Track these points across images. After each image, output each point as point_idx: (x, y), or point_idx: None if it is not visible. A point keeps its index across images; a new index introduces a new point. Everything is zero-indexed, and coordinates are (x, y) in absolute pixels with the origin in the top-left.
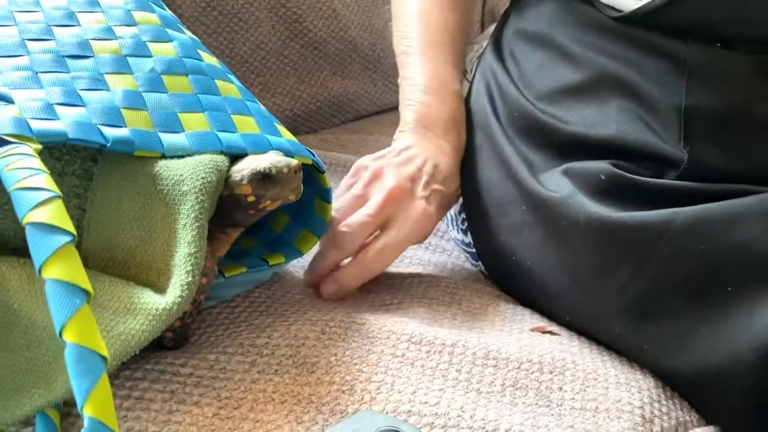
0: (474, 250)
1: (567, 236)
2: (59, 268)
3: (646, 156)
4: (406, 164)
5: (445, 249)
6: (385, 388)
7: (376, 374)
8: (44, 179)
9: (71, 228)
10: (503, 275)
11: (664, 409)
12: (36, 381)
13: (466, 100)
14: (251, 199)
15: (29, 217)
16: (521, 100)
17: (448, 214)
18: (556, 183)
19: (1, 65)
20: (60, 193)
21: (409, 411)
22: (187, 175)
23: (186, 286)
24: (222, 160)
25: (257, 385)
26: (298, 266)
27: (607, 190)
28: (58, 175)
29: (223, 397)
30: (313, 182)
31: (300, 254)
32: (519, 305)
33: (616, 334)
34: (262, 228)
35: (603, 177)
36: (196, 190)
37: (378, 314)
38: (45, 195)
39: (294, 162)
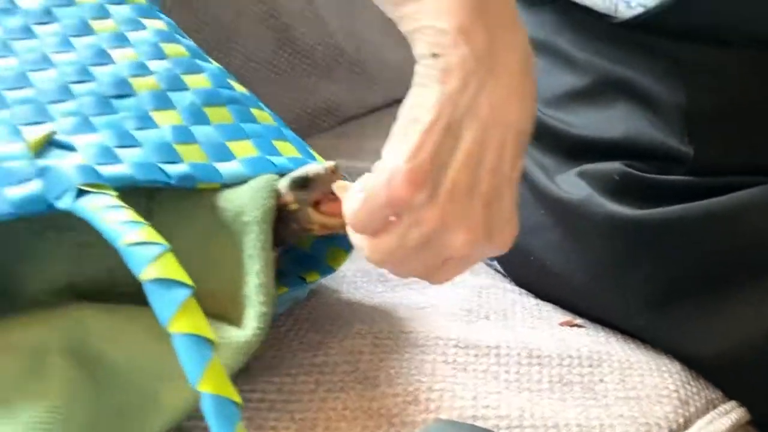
0: None
1: (587, 235)
2: (186, 322)
3: (654, 155)
4: None
5: None
6: (447, 395)
7: (435, 383)
8: (148, 232)
9: (188, 280)
10: (522, 274)
11: (694, 390)
12: (124, 424)
13: None
14: (294, 207)
15: (147, 274)
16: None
17: None
18: (572, 185)
19: (52, 111)
20: (169, 245)
21: (474, 416)
22: (247, 204)
23: (262, 317)
24: (276, 179)
25: (327, 404)
26: (329, 278)
27: (621, 190)
28: None
29: (297, 419)
30: None
31: (332, 270)
32: (541, 301)
33: (639, 324)
34: (290, 248)
35: (617, 177)
36: (259, 219)
37: (418, 319)
38: (157, 250)
39: (330, 163)
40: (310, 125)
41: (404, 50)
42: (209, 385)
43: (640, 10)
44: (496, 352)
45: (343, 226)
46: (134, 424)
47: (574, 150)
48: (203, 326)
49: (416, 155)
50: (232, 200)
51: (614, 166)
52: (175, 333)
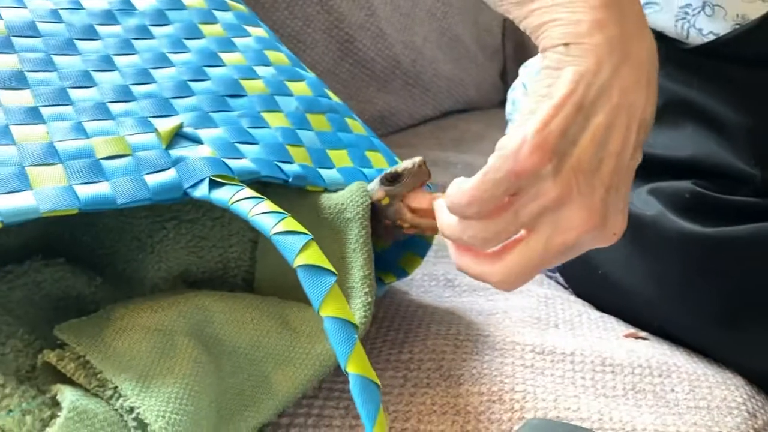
0: None
1: (658, 251)
2: (334, 306)
3: (722, 175)
4: None
5: None
6: (530, 397)
7: (516, 384)
8: (291, 221)
9: (332, 267)
10: (587, 286)
11: (760, 404)
12: (244, 404)
13: None
14: (386, 201)
15: (300, 260)
16: None
17: None
18: (644, 201)
19: (176, 106)
20: (311, 235)
21: (557, 417)
22: (348, 202)
23: (368, 307)
24: (366, 184)
25: (416, 398)
26: (399, 281)
27: (692, 208)
28: None
29: (391, 411)
30: None
31: (406, 274)
32: (605, 313)
33: (705, 339)
34: None
35: (687, 195)
36: (360, 216)
37: (493, 325)
38: (304, 238)
39: (417, 158)
40: None
41: (455, 64)
42: (356, 366)
43: (711, 37)
44: (571, 359)
45: (432, 226)
46: (251, 406)
47: (645, 167)
48: (347, 311)
49: (545, 127)
50: (332, 198)
51: (685, 184)
52: (326, 316)
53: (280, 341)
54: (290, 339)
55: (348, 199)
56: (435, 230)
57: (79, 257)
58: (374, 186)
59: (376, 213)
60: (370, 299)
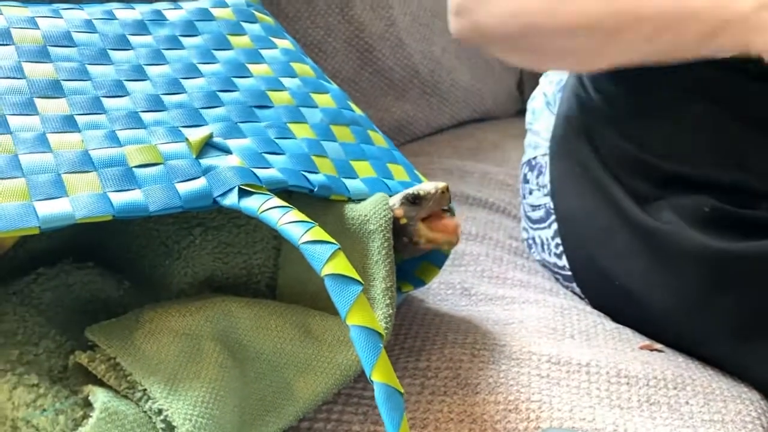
0: (568, 273)
1: (676, 264)
2: (360, 315)
3: (741, 190)
4: None
5: (537, 270)
6: (546, 407)
7: (532, 394)
8: (318, 231)
9: (358, 276)
10: (603, 297)
11: None
12: (266, 410)
13: (555, 127)
14: (403, 221)
15: (327, 269)
16: (620, 140)
17: (539, 238)
18: (664, 215)
19: (206, 116)
20: (339, 245)
21: (573, 427)
22: (371, 214)
23: (389, 318)
24: (388, 196)
25: (434, 406)
26: (416, 290)
27: (711, 222)
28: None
29: (409, 418)
30: None
31: (423, 284)
32: (620, 325)
33: (720, 352)
34: None
35: (707, 209)
36: (383, 228)
37: (510, 334)
38: (331, 248)
39: (441, 184)
40: None
41: (473, 74)
42: (381, 374)
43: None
44: (587, 369)
45: (448, 241)
46: (272, 411)
47: (663, 181)
48: (373, 320)
49: None
50: (356, 210)
51: (704, 199)
52: (352, 325)
53: (302, 349)
54: (312, 347)
55: (371, 211)
56: (451, 245)
57: (107, 262)
58: (395, 202)
59: (395, 230)
60: (391, 311)
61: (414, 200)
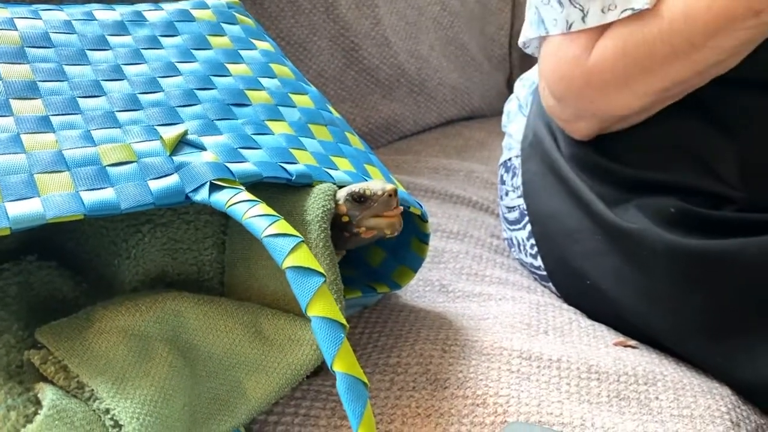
0: (544, 273)
1: (645, 262)
2: (321, 306)
3: (706, 194)
4: None
5: (516, 268)
6: (513, 401)
7: (501, 389)
8: (282, 224)
9: (320, 269)
10: (577, 297)
11: (744, 414)
12: (219, 409)
13: (526, 129)
14: (345, 219)
15: (288, 262)
16: (578, 145)
17: (515, 239)
18: (631, 215)
19: (181, 113)
20: (302, 238)
21: (539, 421)
22: (309, 205)
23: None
24: (336, 188)
25: (402, 401)
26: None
27: (677, 222)
28: (209, 215)
29: (376, 414)
30: (413, 227)
31: (398, 287)
32: (595, 322)
33: (692, 349)
34: (360, 262)
35: (672, 210)
36: (319, 219)
37: (483, 330)
38: (294, 240)
39: (389, 186)
40: (369, 141)
41: (460, 73)
42: (343, 364)
43: None
44: (557, 365)
45: (390, 224)
46: (225, 411)
47: (629, 185)
48: (336, 312)
49: None
50: (301, 200)
51: (670, 200)
52: (313, 316)
53: (252, 350)
54: (263, 348)
55: (310, 202)
56: (394, 228)
57: (67, 262)
58: (341, 197)
59: (335, 223)
60: (339, 305)
61: (359, 199)
